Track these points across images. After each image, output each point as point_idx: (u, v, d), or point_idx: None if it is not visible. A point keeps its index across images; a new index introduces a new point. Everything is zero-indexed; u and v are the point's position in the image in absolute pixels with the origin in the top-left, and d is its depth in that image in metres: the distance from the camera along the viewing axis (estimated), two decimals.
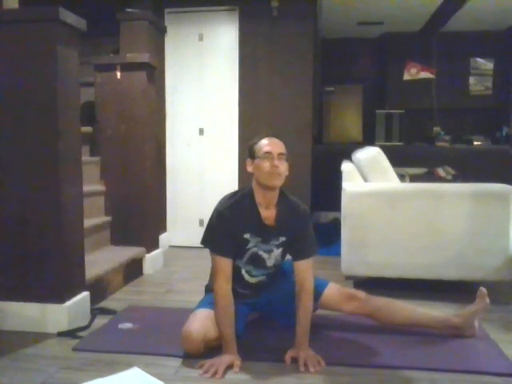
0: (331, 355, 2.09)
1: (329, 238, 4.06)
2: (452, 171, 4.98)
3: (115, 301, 2.92)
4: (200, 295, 2.40)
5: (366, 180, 3.23)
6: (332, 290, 2.36)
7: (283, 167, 2.11)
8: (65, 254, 2.42)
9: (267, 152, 2.10)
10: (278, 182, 2.12)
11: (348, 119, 6.31)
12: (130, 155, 3.53)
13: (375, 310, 2.32)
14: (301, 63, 4.33)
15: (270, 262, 2.26)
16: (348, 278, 3.17)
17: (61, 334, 2.34)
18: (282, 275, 2.36)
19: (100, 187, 3.54)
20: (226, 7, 4.40)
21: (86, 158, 3.30)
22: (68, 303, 2.42)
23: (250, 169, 2.17)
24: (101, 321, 2.55)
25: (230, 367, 1.97)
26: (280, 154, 2.10)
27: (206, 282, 2.45)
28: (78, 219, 2.58)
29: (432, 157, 5.54)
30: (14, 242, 2.41)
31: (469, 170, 5.16)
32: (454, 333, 2.29)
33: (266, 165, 2.08)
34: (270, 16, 4.30)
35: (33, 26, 2.35)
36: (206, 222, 2.23)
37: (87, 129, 3.45)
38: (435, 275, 2.98)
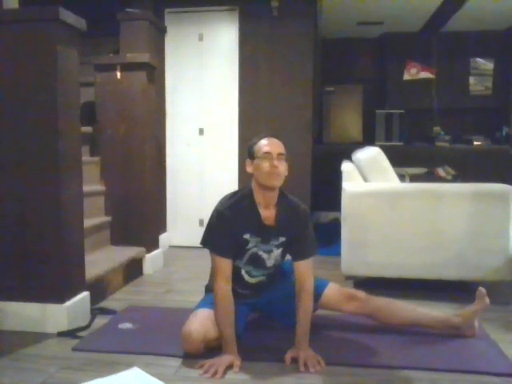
0: (331, 355, 2.09)
1: (329, 237, 4.05)
2: (452, 171, 4.98)
3: (115, 301, 2.92)
4: (200, 295, 2.40)
5: (366, 180, 3.23)
6: (332, 290, 2.36)
7: (283, 167, 2.11)
8: (65, 254, 2.41)
9: (266, 152, 2.10)
10: (278, 182, 2.12)
11: (348, 119, 6.30)
12: (130, 155, 3.53)
13: (375, 309, 2.32)
14: (301, 63, 4.33)
15: (269, 263, 2.26)
16: (348, 277, 3.17)
17: (61, 334, 2.34)
18: (281, 275, 2.36)
19: (100, 187, 3.54)
20: (226, 7, 4.40)
21: (86, 157, 3.30)
22: (68, 303, 2.42)
23: (249, 169, 2.17)
24: (101, 321, 2.55)
25: (229, 367, 1.97)
26: (279, 154, 2.10)
27: (205, 281, 2.45)
28: (77, 219, 2.58)
29: (432, 157, 5.54)
30: (14, 242, 2.41)
31: (469, 169, 5.17)
32: (453, 333, 2.29)
33: (266, 165, 2.08)
34: (270, 16, 4.29)
35: (33, 25, 2.35)
36: (205, 222, 2.23)
37: (87, 129, 3.45)
38: (435, 275, 2.98)
